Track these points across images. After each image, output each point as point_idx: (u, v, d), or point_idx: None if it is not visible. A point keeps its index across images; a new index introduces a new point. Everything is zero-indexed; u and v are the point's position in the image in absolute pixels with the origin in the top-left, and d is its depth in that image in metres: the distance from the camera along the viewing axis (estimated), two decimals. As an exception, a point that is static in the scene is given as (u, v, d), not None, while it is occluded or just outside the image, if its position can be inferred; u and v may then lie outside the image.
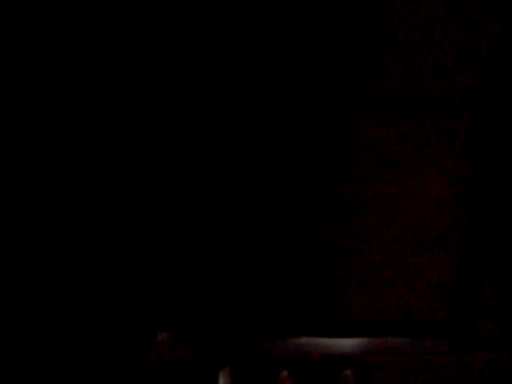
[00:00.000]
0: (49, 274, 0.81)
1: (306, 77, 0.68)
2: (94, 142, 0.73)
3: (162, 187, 0.75)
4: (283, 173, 0.74)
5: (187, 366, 0.86)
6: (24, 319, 0.84)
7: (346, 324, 0.88)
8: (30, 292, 0.82)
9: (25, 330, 0.85)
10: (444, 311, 0.87)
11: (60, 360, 0.86)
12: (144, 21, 0.67)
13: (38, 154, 0.75)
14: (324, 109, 0.70)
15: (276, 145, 0.72)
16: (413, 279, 0.83)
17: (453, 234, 0.78)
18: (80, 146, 0.73)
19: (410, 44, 0.65)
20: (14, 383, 0.87)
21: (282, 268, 0.82)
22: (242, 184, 0.75)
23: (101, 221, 0.77)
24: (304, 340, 0.86)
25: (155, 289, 0.83)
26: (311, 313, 0.86)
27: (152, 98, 0.71)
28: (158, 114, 0.71)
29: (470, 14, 0.63)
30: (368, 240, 0.79)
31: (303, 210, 0.77)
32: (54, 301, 0.84)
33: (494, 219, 0.75)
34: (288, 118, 0.71)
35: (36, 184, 0.76)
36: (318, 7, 0.65)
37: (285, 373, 0.86)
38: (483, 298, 0.83)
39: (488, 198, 0.75)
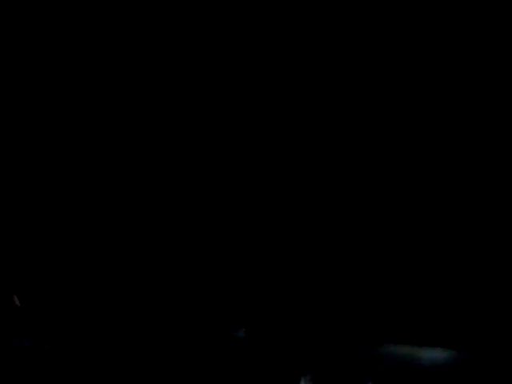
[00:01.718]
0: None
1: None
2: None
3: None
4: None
5: (265, 367, 0.78)
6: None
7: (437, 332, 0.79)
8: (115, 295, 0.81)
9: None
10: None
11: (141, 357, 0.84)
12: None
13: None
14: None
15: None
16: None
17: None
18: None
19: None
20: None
21: (371, 270, 0.76)
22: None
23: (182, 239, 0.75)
24: (393, 349, 0.76)
25: (235, 286, 0.79)
26: (403, 317, 0.78)
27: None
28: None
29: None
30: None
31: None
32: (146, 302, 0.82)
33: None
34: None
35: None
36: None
37: None
38: None
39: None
